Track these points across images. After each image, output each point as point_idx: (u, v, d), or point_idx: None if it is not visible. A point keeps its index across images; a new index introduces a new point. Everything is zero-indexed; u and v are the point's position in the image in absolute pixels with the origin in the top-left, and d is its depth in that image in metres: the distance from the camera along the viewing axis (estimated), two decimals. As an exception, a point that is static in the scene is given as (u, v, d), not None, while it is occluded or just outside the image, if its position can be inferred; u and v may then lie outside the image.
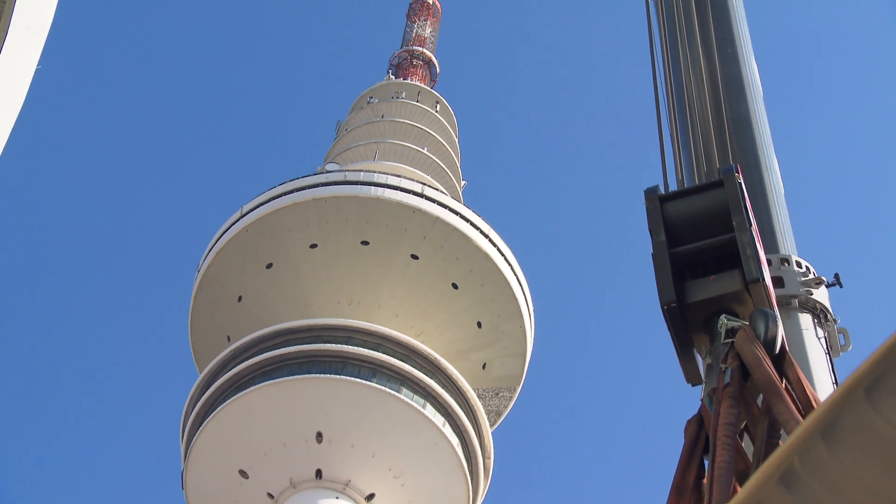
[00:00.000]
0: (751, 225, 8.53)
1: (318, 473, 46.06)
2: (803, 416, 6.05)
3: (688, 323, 8.44)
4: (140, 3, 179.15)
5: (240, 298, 52.92)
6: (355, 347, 47.07)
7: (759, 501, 3.32)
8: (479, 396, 50.58)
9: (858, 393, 3.23)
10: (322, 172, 54.79)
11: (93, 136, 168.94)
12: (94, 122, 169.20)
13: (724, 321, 7.87)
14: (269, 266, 52.13)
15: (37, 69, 13.68)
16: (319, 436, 45.95)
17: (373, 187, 51.52)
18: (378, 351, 47.17)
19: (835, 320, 9.74)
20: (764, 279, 8.13)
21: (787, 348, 7.34)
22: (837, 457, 3.30)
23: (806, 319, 9.52)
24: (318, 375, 46.12)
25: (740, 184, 8.78)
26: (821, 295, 9.77)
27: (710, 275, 8.50)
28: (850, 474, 3.31)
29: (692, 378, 8.70)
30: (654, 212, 8.97)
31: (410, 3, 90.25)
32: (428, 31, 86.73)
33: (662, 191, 9.43)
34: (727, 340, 7.64)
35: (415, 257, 51.47)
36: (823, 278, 9.89)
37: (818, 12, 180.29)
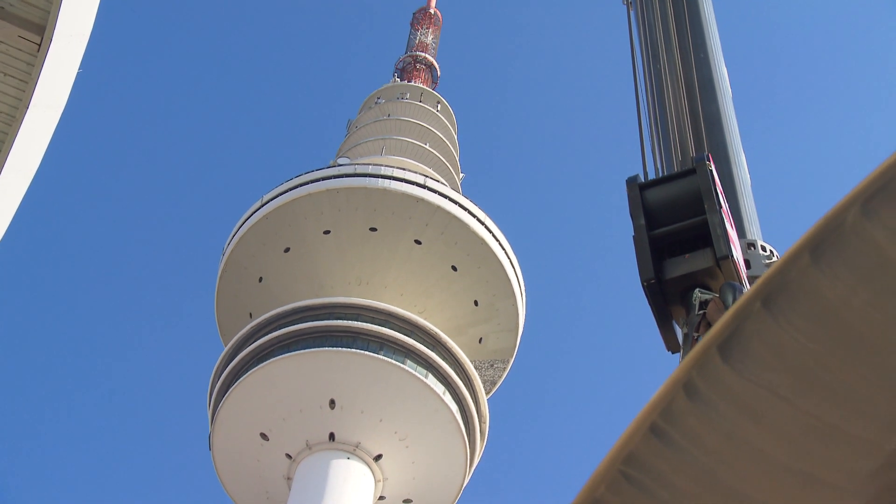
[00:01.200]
0: (721, 207, 8.67)
1: (332, 436, 46.33)
2: None
3: (666, 297, 8.62)
4: (175, 18, 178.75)
5: (260, 279, 53.08)
6: (364, 323, 47.25)
7: (667, 405, 3.13)
8: (475, 367, 50.83)
9: (755, 305, 3.12)
10: (334, 166, 54.82)
11: (130, 135, 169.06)
12: (132, 123, 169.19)
13: (697, 294, 8.09)
14: (287, 250, 52.25)
15: (78, 72, 13.75)
16: (332, 403, 46.19)
17: (380, 179, 51.58)
18: (385, 326, 47.36)
19: None
20: (733, 255, 8.28)
21: None
22: (734, 370, 3.17)
23: None
24: (331, 349, 46.32)
25: (711, 171, 8.91)
26: None
27: (686, 253, 8.67)
28: (744, 386, 3.17)
29: (671, 346, 8.94)
30: (634, 198, 9.12)
31: (414, 13, 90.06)
32: (430, 38, 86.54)
33: (642, 179, 9.57)
34: (700, 312, 7.83)
35: (418, 242, 51.59)
36: None
37: (782, 20, 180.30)
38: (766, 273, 3.17)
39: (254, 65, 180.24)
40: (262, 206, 52.61)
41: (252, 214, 53.01)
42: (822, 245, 3.11)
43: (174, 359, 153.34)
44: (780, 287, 3.08)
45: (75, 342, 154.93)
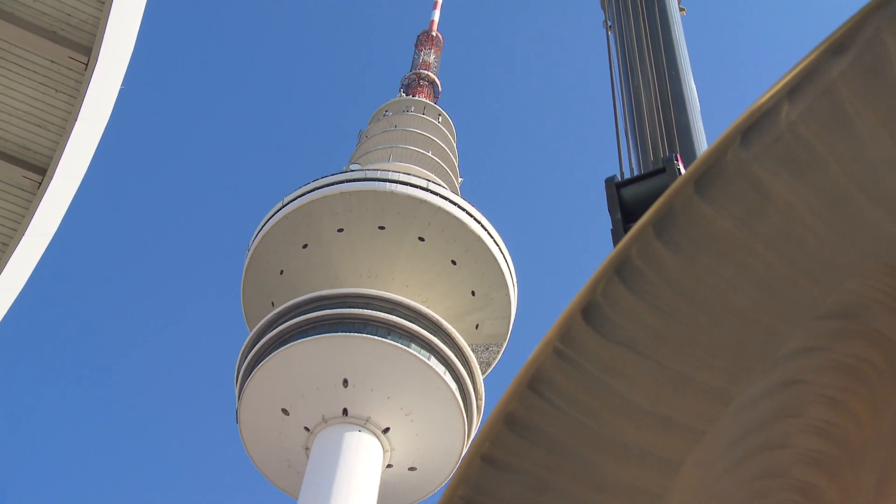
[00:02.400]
0: None
1: (345, 411, 46.35)
2: None
3: None
4: (210, 44, 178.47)
5: (281, 272, 53.07)
6: (374, 311, 47.25)
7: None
8: (473, 350, 50.84)
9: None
10: (347, 171, 54.75)
11: (169, 143, 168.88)
12: (170, 133, 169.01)
13: None
14: (305, 246, 52.23)
15: (120, 89, 13.77)
16: (346, 382, 46.21)
17: (387, 183, 51.52)
18: (392, 314, 47.35)
19: None
20: None
21: None
22: (597, 333, 3.06)
23: None
24: (344, 334, 46.32)
25: (679, 169, 8.95)
26: None
27: None
28: (607, 347, 3.07)
29: None
30: (612, 196, 9.17)
31: (418, 35, 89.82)
32: (432, 57, 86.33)
33: (619, 179, 9.63)
34: None
35: (421, 239, 51.56)
36: None
37: (743, 42, 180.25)
38: (613, 252, 3.10)
39: (277, 81, 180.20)
40: (283, 206, 52.58)
41: (274, 214, 52.98)
42: (664, 221, 3.02)
43: (206, 342, 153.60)
44: (626, 264, 3.01)
45: (123, 328, 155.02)
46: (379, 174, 52.74)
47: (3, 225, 13.95)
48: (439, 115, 74.27)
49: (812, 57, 2.87)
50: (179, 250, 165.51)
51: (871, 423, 3.18)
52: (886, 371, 3.13)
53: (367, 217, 51.29)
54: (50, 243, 14.28)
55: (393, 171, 53.39)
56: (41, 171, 13.82)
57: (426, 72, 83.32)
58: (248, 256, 54.09)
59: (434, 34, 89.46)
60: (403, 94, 78.69)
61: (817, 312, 3.01)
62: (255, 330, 49.43)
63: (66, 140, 13.60)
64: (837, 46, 2.83)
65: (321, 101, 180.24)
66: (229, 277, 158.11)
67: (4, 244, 13.94)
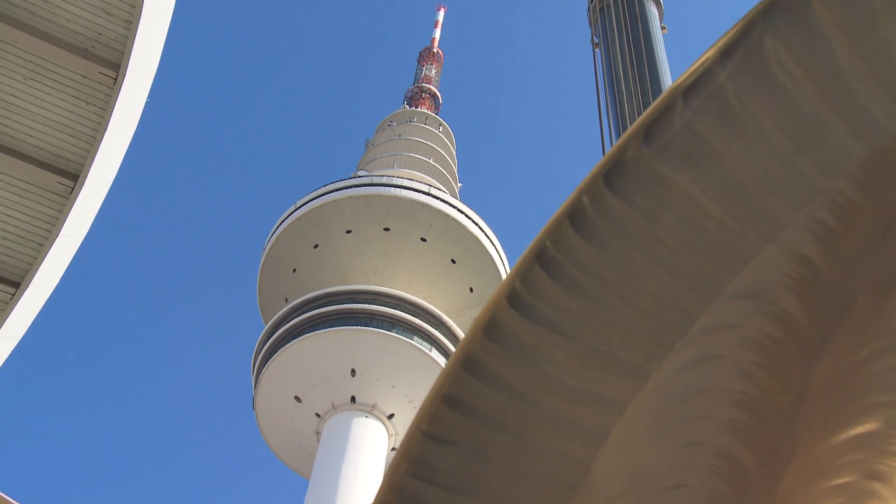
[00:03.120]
0: None
1: (353, 399, 46.37)
2: None
3: None
4: (224, 52, 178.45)
5: (294, 270, 53.06)
6: (380, 307, 47.26)
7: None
8: (471, 342, 50.79)
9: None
10: (355, 177, 54.76)
11: (192, 152, 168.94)
12: (194, 143, 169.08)
13: None
14: (316, 246, 52.23)
15: (146, 101, 13.80)
16: (353, 371, 46.23)
17: (392, 188, 51.53)
18: (397, 309, 47.36)
19: None
20: None
21: None
22: (522, 316, 3.04)
23: None
24: (352, 327, 46.34)
25: None
26: None
27: None
28: (531, 329, 3.05)
29: None
30: None
31: (420, 52, 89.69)
32: (433, 72, 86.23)
33: None
34: None
35: (423, 240, 51.56)
36: None
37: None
38: (532, 243, 3.09)
39: (291, 93, 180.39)
40: (296, 210, 52.57)
41: (288, 216, 52.98)
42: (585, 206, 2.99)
43: (224, 335, 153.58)
44: (544, 254, 2.99)
45: (147, 322, 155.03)
46: (384, 180, 52.73)
47: (38, 226, 13.96)
48: (440, 125, 74.20)
49: (703, 60, 2.91)
50: (200, 250, 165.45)
51: (777, 393, 3.18)
52: (790, 346, 3.15)
53: (374, 219, 51.29)
54: (81, 243, 14.36)
55: (397, 177, 53.38)
56: (73, 177, 13.80)
57: (428, 85, 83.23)
58: (264, 256, 54.08)
59: (435, 51, 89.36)
60: (407, 106, 78.62)
61: (725, 293, 3.01)
62: (270, 323, 49.46)
63: (96, 148, 13.57)
64: (725, 50, 2.87)
65: (331, 112, 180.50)
66: (246, 275, 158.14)
67: (40, 244, 13.96)
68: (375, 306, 47.25)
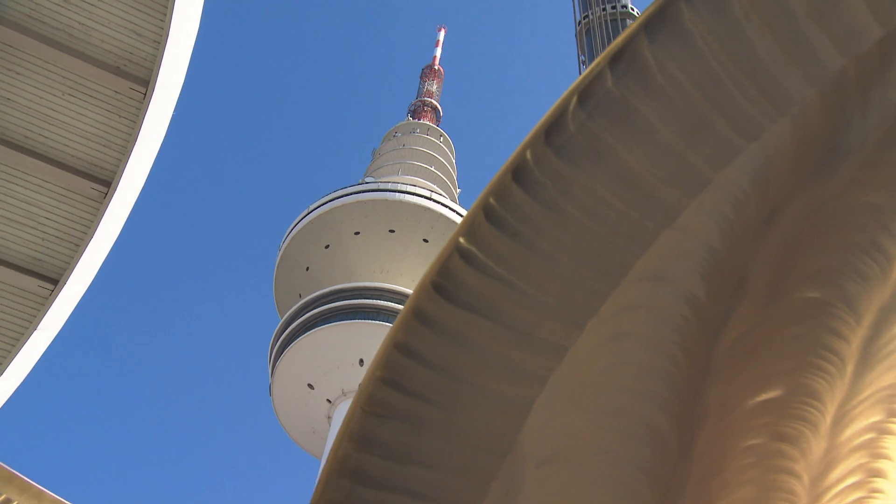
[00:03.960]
0: None
1: (361, 386, 46.31)
2: None
3: None
4: (246, 69, 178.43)
5: (307, 268, 53.07)
6: (386, 302, 47.28)
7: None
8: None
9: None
10: (363, 183, 54.77)
11: (216, 160, 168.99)
12: (217, 152, 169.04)
13: None
14: (327, 246, 52.25)
15: (173, 114, 13.83)
16: (361, 361, 46.24)
17: (397, 193, 51.55)
18: (401, 304, 47.32)
19: None
20: None
21: None
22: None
23: None
24: (360, 321, 46.35)
25: None
26: None
27: None
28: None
29: None
30: None
31: (423, 68, 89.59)
32: (435, 87, 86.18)
33: None
34: None
35: (426, 241, 51.56)
36: None
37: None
38: (450, 238, 3.08)
39: (304, 107, 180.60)
40: (309, 213, 52.57)
41: (301, 220, 52.97)
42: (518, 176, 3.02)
43: (243, 328, 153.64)
44: (465, 247, 3.01)
45: (172, 317, 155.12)
46: (389, 185, 52.73)
47: (75, 229, 13.86)
48: (441, 135, 74.16)
49: (594, 66, 2.97)
50: (220, 250, 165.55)
51: (687, 364, 3.20)
52: (694, 322, 3.18)
53: (380, 222, 51.29)
54: (114, 244, 14.37)
55: (401, 183, 53.38)
56: (107, 183, 13.67)
57: (430, 99, 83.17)
58: (279, 255, 54.09)
59: (436, 68, 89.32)
60: (410, 118, 78.57)
61: (630, 276, 3.05)
62: (285, 317, 49.48)
63: (127, 157, 13.45)
64: (613, 58, 2.94)
65: (341, 124, 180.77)
66: (263, 273, 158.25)
67: (76, 245, 13.91)
68: (381, 301, 47.24)
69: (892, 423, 3.36)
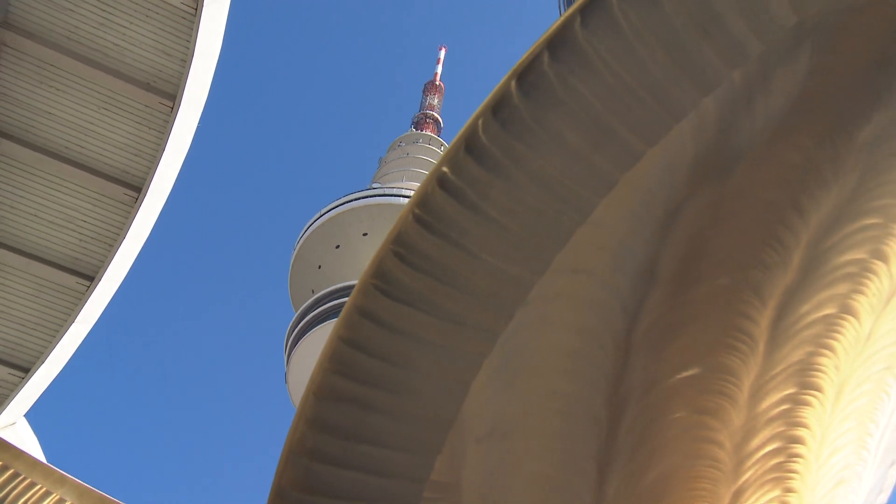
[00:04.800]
0: None
1: (369, 374, 46.20)
2: None
3: None
4: (263, 83, 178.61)
5: (319, 266, 53.09)
6: (391, 297, 47.15)
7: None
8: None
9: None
10: (370, 189, 54.81)
11: (239, 166, 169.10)
12: (235, 158, 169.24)
13: None
14: (338, 246, 52.27)
15: (197, 126, 13.89)
16: (369, 351, 46.14)
17: (402, 198, 51.52)
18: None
19: None
20: None
21: None
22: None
23: None
24: (368, 314, 46.23)
25: None
26: None
27: None
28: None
29: None
30: None
31: (425, 84, 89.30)
32: (436, 100, 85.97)
33: None
34: None
35: (428, 241, 51.45)
36: None
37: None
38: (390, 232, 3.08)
39: (317, 119, 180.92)
40: (321, 216, 52.57)
41: (314, 222, 52.99)
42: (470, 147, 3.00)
43: (260, 322, 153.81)
44: (398, 250, 2.99)
45: (196, 310, 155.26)
46: (395, 191, 52.73)
47: (109, 230, 13.89)
48: (441, 145, 74.00)
49: (503, 84, 2.98)
50: (240, 250, 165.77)
51: (611, 348, 3.22)
52: (613, 308, 3.20)
53: (386, 224, 51.23)
54: (144, 244, 14.20)
55: (406, 189, 53.37)
56: (137, 189, 13.70)
57: (431, 112, 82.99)
58: (294, 255, 54.12)
59: (438, 83, 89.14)
60: (414, 130, 78.46)
61: (553, 268, 3.04)
62: (299, 311, 49.51)
63: (156, 165, 13.48)
64: (519, 76, 2.94)
65: (350, 134, 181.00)
66: (278, 271, 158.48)
67: (110, 245, 13.92)
68: (387, 297, 47.11)
69: (806, 394, 3.34)
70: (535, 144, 2.97)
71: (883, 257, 3.27)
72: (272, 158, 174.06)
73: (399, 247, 2.98)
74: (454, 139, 3.03)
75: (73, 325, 13.86)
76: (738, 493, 3.22)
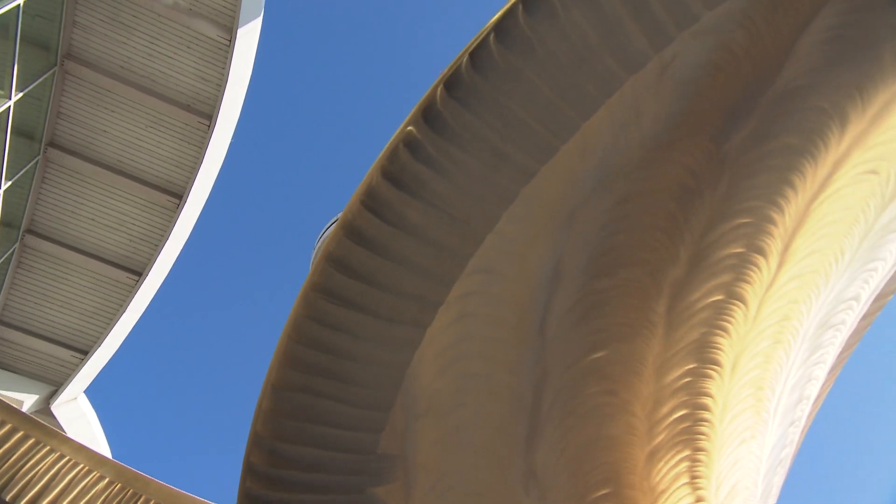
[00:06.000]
0: None
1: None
2: None
3: None
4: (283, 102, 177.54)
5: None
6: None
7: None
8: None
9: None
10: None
11: (260, 175, 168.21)
12: (261, 170, 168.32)
13: None
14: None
15: (231, 142, 14.38)
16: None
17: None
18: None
19: None
20: None
21: None
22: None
23: None
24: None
25: None
26: None
27: None
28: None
29: None
30: None
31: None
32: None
33: None
34: None
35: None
36: None
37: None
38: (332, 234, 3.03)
39: (333, 132, 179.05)
40: (335, 221, 52.73)
41: (331, 224, 53.15)
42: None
43: (280, 318, 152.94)
44: (334, 259, 3.00)
45: (224, 304, 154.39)
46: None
47: (154, 231, 14.62)
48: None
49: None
50: (270, 248, 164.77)
51: (529, 338, 3.28)
52: (522, 304, 3.26)
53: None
54: (185, 244, 14.94)
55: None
56: (179, 196, 14.38)
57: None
58: (314, 253, 54.30)
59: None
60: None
61: (467, 271, 3.10)
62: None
63: (195, 175, 14.21)
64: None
65: (365, 143, 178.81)
66: (297, 270, 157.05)
67: (155, 244, 14.59)
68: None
69: (706, 368, 3.40)
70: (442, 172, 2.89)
71: (759, 251, 3.37)
72: (297, 166, 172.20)
73: (338, 251, 3.01)
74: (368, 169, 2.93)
75: (125, 313, 14.86)
76: (653, 454, 3.30)
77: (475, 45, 2.76)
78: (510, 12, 2.74)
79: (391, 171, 2.83)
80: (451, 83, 2.79)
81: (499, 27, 2.74)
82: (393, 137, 2.85)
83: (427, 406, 3.25)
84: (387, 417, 3.16)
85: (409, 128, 2.81)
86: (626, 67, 2.88)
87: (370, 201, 2.86)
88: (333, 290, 2.98)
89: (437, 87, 2.79)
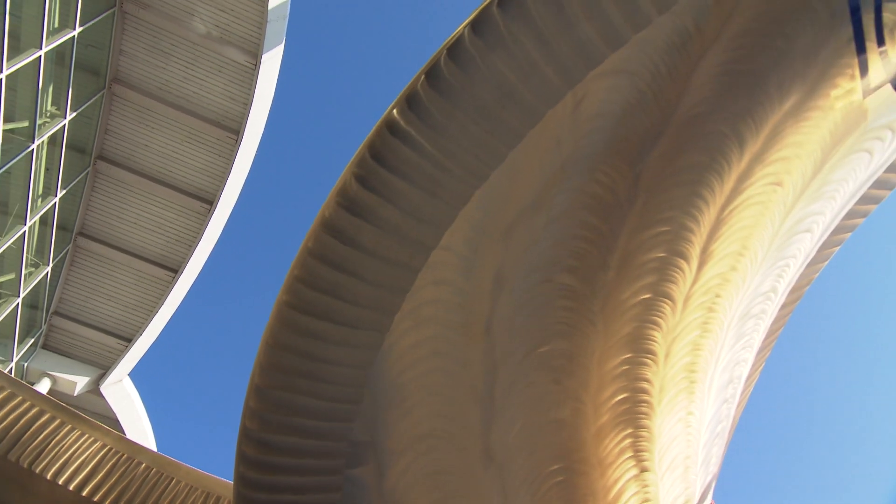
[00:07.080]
0: None
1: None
2: None
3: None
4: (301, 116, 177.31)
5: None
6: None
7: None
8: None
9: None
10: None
11: (282, 182, 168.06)
12: (282, 176, 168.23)
13: None
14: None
15: (255, 154, 14.47)
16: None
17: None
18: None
19: None
20: None
21: None
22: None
23: None
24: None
25: None
26: None
27: None
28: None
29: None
30: None
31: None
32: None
33: None
34: None
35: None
36: None
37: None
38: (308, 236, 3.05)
39: (347, 140, 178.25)
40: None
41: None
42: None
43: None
44: (304, 267, 3.06)
45: (246, 294, 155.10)
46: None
47: (187, 233, 15.07)
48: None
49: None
50: (284, 250, 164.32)
51: (478, 337, 3.34)
52: (473, 309, 3.31)
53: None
54: (214, 245, 15.43)
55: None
56: (210, 202, 15.00)
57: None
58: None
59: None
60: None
61: (416, 286, 3.15)
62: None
63: (224, 183, 14.78)
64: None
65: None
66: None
67: (189, 245, 15.04)
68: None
69: (642, 357, 3.49)
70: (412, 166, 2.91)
71: (680, 254, 3.47)
72: (315, 176, 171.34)
73: (307, 264, 3.03)
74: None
75: (163, 306, 15.45)
76: (599, 432, 3.38)
77: (407, 92, 2.94)
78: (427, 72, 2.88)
79: (345, 203, 3.01)
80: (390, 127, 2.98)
81: (430, 73, 2.91)
82: (342, 174, 3.01)
83: (394, 398, 3.36)
84: (357, 409, 3.26)
85: (355, 168, 3.03)
86: (545, 102, 3.03)
87: (328, 228, 3.03)
88: (301, 304, 3.09)
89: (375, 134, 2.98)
